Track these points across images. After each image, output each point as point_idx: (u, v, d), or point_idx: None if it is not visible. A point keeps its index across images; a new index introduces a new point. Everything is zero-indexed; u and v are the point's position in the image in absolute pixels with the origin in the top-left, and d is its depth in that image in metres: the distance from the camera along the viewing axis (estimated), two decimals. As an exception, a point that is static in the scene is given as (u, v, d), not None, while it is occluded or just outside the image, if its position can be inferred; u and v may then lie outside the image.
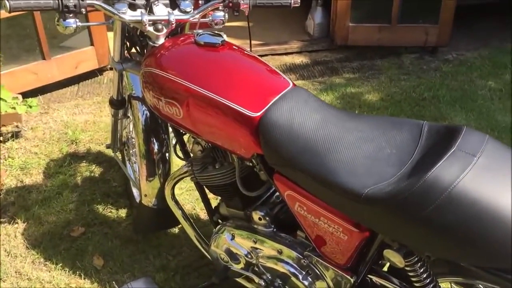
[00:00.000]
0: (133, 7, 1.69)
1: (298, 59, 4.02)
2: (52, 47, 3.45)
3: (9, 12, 1.47)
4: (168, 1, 1.72)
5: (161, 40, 1.68)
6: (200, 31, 1.66)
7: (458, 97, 3.26)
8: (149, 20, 1.64)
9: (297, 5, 1.79)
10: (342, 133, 1.34)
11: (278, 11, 4.66)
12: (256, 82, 1.50)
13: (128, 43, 1.87)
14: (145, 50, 1.84)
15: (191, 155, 1.76)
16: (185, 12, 1.72)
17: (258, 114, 1.41)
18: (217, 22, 1.84)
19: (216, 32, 1.66)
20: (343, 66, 3.88)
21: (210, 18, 1.82)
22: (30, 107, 2.90)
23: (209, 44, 1.58)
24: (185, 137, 1.79)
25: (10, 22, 3.18)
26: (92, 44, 3.61)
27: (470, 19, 4.18)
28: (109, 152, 2.85)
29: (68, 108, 3.35)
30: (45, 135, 3.06)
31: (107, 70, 3.82)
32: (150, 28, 1.65)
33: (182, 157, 1.80)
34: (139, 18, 1.63)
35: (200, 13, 1.72)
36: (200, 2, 1.75)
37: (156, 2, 1.68)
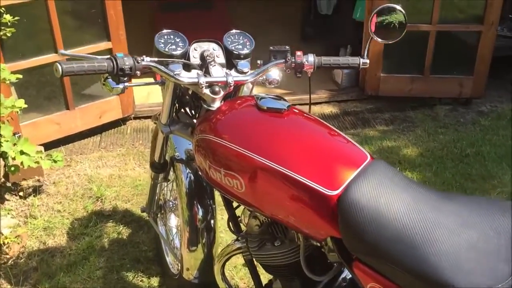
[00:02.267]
0: (187, 67, 1.55)
1: (327, 109, 3.88)
2: (75, 95, 3.33)
3: (61, 77, 1.34)
4: (224, 61, 1.58)
5: (217, 104, 1.53)
6: (261, 94, 1.51)
7: (502, 154, 3.09)
8: (206, 82, 1.50)
9: (365, 66, 1.65)
10: (439, 218, 1.16)
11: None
12: (330, 154, 1.34)
13: (177, 105, 1.72)
14: (193, 111, 1.70)
15: (244, 228, 1.59)
16: (243, 73, 1.58)
17: (336, 192, 1.24)
18: (271, 81, 1.71)
19: (278, 95, 1.52)
20: (374, 117, 3.74)
21: (264, 77, 1.68)
22: (55, 161, 2.73)
23: (273, 110, 1.43)
24: (239, 208, 1.62)
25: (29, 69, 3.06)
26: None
27: (502, 70, 4.06)
28: (137, 210, 2.68)
29: (91, 161, 3.20)
30: (69, 190, 2.89)
31: (131, 119, 3.69)
32: (207, 91, 1.51)
33: (234, 230, 1.62)
34: (196, 80, 1.49)
35: (259, 74, 1.58)
36: (258, 62, 1.62)
37: (212, 63, 1.54)
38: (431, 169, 2.95)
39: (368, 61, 1.64)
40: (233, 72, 1.57)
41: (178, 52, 1.54)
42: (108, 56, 1.44)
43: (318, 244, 1.36)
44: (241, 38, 1.64)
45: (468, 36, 3.75)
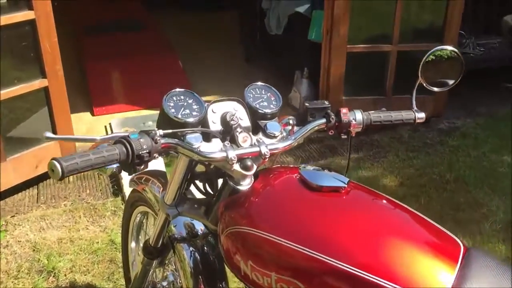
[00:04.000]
0: (207, 136, 1.20)
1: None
2: (6, 144, 2.79)
3: (60, 179, 0.94)
4: (249, 124, 1.25)
5: (249, 181, 1.19)
6: (305, 165, 1.20)
7: (482, 178, 3.00)
8: (236, 156, 1.16)
9: (421, 121, 1.39)
10: None
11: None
12: (420, 248, 1.05)
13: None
14: (207, 185, 1.34)
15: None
16: (274, 137, 1.26)
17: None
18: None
19: (328, 167, 1.21)
20: (341, 144, 3.54)
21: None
22: (-8, 233, 2.23)
23: (330, 188, 1.12)
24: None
25: None
26: (55, 137, 2.98)
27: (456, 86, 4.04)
28: (101, 284, 2.24)
29: (32, 222, 2.68)
30: (10, 264, 2.37)
31: (72, 164, 3.18)
32: (237, 166, 1.17)
33: None
34: (224, 154, 1.14)
35: (298, 139, 1.26)
36: (290, 121, 1.30)
37: (238, 128, 1.20)
38: (418, 201, 2.78)
39: (424, 115, 1.39)
40: (263, 137, 1.24)
41: (194, 118, 1.18)
42: (112, 135, 1.06)
43: None
44: (263, 92, 1.32)
45: (428, 55, 3.67)
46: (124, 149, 0.99)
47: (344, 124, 1.27)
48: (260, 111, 1.26)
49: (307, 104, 1.28)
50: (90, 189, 3.01)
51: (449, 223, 2.59)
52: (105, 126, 3.64)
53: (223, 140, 1.21)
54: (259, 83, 1.33)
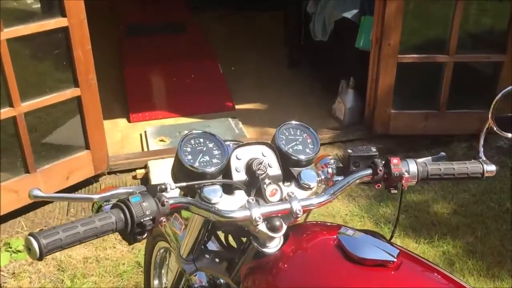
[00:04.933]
0: (229, 187, 1.02)
1: (332, 152, 3.39)
2: (36, 155, 2.70)
3: (39, 259, 0.78)
4: (279, 172, 1.05)
5: (277, 243, 1.00)
6: (346, 228, 1.00)
7: (548, 208, 2.69)
8: (262, 215, 0.97)
9: (491, 174, 1.16)
10: None
11: (298, 90, 4.09)
12: None
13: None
14: (227, 239, 1.16)
15: None
16: (308, 188, 1.06)
17: None
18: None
19: (372, 231, 1.00)
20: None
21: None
22: (16, 252, 2.13)
23: (375, 262, 0.91)
24: None
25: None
26: (87, 148, 2.89)
27: None
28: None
29: (59, 237, 2.58)
30: (33, 284, 2.27)
31: (104, 175, 3.09)
32: (263, 226, 0.98)
33: None
34: (247, 213, 0.96)
35: (337, 194, 1.05)
36: (329, 170, 1.09)
37: (266, 179, 1.01)
38: (473, 233, 2.51)
39: (494, 168, 1.15)
40: (295, 189, 1.05)
41: (215, 168, 1.00)
42: (112, 193, 0.89)
43: None
44: (298, 133, 1.12)
45: (488, 67, 3.36)
46: (122, 215, 0.82)
47: (395, 177, 1.05)
48: (293, 157, 1.06)
49: (349, 151, 1.07)
50: (121, 202, 2.90)
51: (509, 263, 2.31)
52: (140, 134, 3.53)
53: (247, 193, 1.02)
54: (294, 122, 1.13)
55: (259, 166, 1.01)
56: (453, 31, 3.10)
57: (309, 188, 1.06)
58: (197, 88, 4.02)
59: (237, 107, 3.89)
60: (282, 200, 1.02)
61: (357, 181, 1.06)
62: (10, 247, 2.14)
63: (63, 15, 2.55)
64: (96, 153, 2.93)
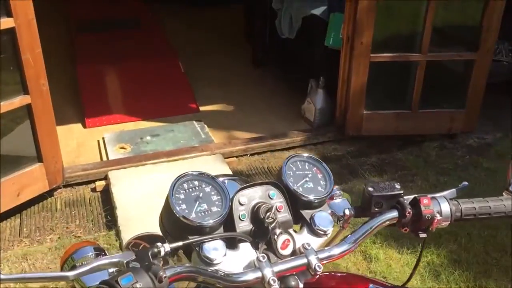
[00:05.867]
0: (232, 240, 0.83)
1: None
2: (-17, 171, 2.42)
3: None
4: (290, 216, 0.88)
5: (293, 305, 0.83)
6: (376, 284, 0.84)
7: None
8: (276, 273, 0.79)
9: None
10: None
11: (269, 94, 3.92)
12: None
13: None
14: None
15: None
16: (323, 234, 0.89)
17: None
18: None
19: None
20: (360, 163, 3.17)
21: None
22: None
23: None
24: None
25: None
26: (40, 160, 2.62)
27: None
28: None
29: (13, 263, 2.33)
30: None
31: (60, 188, 2.82)
32: (276, 287, 0.80)
33: None
34: (259, 274, 0.78)
35: (359, 242, 0.89)
36: (347, 211, 0.93)
37: (277, 229, 0.84)
38: (456, 240, 2.43)
39: None
40: (308, 237, 0.88)
41: (215, 220, 0.81)
42: (91, 266, 0.69)
43: None
44: (307, 168, 0.95)
45: (460, 65, 3.31)
46: None
47: (425, 220, 0.90)
48: (303, 198, 0.89)
49: (370, 189, 0.91)
50: (80, 219, 2.65)
51: (495, 272, 2.24)
52: (98, 141, 3.26)
53: (254, 245, 0.85)
54: (305, 154, 0.96)
55: (269, 214, 0.83)
56: (426, 29, 3.01)
57: (325, 234, 0.89)
58: (158, 89, 3.78)
59: (201, 108, 3.68)
60: (295, 252, 0.85)
61: (381, 225, 0.90)
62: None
63: (9, 15, 2.27)
64: (50, 166, 2.66)
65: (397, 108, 3.28)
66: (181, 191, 0.83)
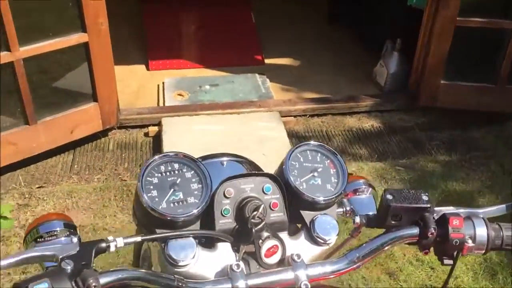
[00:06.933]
0: (209, 239, 0.71)
1: (367, 123, 3.03)
2: (38, 106, 2.44)
3: None
4: (285, 218, 0.74)
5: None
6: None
7: None
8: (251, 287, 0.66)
9: None
10: None
11: (335, 48, 3.66)
12: None
13: None
14: None
15: None
16: (324, 243, 0.74)
17: None
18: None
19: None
20: (429, 138, 2.90)
21: (344, 209, 0.83)
22: (4, 219, 1.92)
23: None
24: None
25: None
26: (95, 100, 2.61)
27: None
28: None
29: (58, 198, 2.37)
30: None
31: (114, 129, 2.83)
32: (250, 305, 0.67)
33: None
34: (229, 287, 0.65)
35: (367, 259, 0.73)
36: (357, 219, 0.77)
37: (263, 233, 0.70)
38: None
39: None
40: (304, 243, 0.73)
41: (188, 214, 0.69)
42: (18, 259, 0.60)
43: None
44: (318, 159, 0.78)
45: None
46: None
47: (452, 245, 0.71)
48: (307, 197, 0.74)
49: (389, 197, 0.73)
50: (129, 162, 2.65)
51: None
52: (158, 85, 3.22)
53: (235, 246, 0.71)
54: (312, 142, 0.79)
55: (255, 212, 0.70)
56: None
57: (325, 244, 0.74)
58: (225, 37, 3.64)
59: (266, 61, 3.51)
60: (283, 262, 0.71)
61: (396, 242, 0.73)
62: (-4, 211, 1.94)
63: None
64: (105, 106, 2.65)
65: (480, 81, 2.92)
66: (156, 174, 0.71)
